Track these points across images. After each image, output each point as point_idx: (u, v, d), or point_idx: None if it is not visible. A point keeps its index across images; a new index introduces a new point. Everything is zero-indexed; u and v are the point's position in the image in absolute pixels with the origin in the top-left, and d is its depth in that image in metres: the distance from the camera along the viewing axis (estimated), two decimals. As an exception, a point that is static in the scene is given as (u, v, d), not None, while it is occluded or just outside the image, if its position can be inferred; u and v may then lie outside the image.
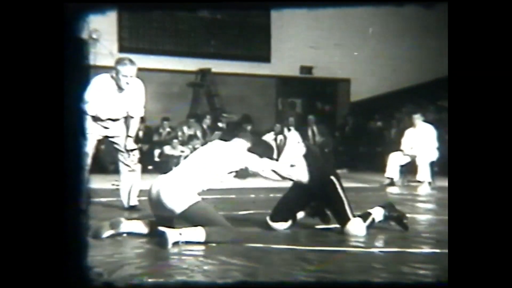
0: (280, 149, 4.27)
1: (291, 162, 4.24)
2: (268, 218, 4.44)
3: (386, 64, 14.28)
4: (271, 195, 6.98)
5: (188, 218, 3.86)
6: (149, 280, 2.90)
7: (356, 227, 4.25)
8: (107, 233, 3.96)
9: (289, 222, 4.44)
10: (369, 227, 4.29)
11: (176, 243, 3.69)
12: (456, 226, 2.50)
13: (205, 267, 3.25)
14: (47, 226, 2.37)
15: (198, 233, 3.76)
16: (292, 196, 4.46)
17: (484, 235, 2.48)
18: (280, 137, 4.37)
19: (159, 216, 3.99)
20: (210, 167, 3.98)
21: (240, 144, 4.20)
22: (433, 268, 3.24)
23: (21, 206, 2.36)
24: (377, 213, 4.38)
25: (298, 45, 14.04)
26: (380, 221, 4.37)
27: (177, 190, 3.85)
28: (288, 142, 4.28)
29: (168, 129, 12.52)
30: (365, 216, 4.33)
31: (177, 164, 11.67)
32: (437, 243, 4.00)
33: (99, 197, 6.47)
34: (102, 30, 12.44)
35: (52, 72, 2.42)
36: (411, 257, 3.66)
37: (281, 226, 4.42)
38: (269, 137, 4.37)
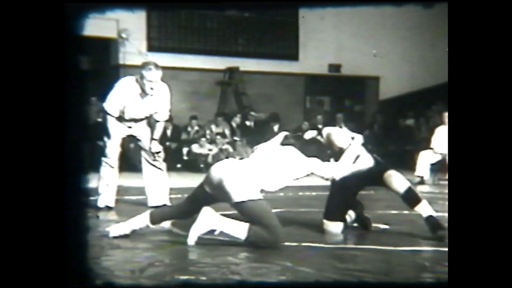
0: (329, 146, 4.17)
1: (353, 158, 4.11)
2: (324, 220, 4.27)
3: (415, 62, 14.15)
4: (300, 193, 6.98)
5: (242, 211, 3.67)
6: (180, 277, 2.91)
7: (397, 175, 4.17)
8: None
9: (343, 224, 4.29)
10: (412, 195, 4.14)
11: (212, 231, 3.62)
12: (456, 226, 2.47)
13: (236, 266, 3.25)
14: (47, 226, 2.37)
15: (240, 230, 3.61)
16: (339, 191, 4.28)
17: (484, 236, 2.44)
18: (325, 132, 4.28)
19: (206, 193, 3.82)
20: (278, 169, 3.83)
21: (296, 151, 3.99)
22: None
23: (21, 206, 2.37)
24: (427, 206, 4.16)
25: (326, 43, 13.98)
26: (424, 216, 4.16)
27: (244, 180, 3.68)
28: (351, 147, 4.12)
29: (196, 128, 12.57)
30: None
31: (205, 162, 11.75)
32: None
33: (129, 195, 6.53)
34: (131, 30, 12.57)
35: (53, 72, 2.43)
36: (441, 255, 3.62)
37: (338, 227, 4.27)
38: (311, 134, 4.26)
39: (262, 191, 3.77)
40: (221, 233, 3.63)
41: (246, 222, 3.64)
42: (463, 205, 2.49)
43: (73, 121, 2.46)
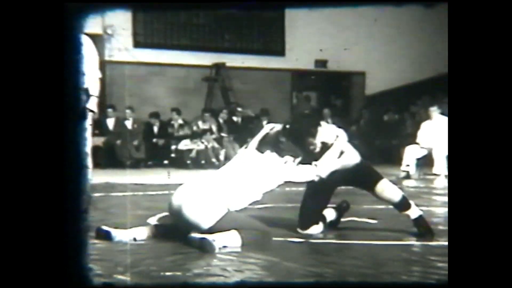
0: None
1: (335, 157, 3.96)
2: (298, 229, 4.12)
3: (401, 57, 14.20)
4: (287, 188, 6.99)
5: (219, 231, 3.55)
6: (167, 273, 2.92)
7: (389, 186, 4.11)
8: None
9: (321, 224, 4.18)
10: (403, 202, 4.11)
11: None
12: (457, 226, 2.48)
13: (223, 262, 3.26)
14: (47, 226, 2.37)
15: (233, 238, 3.53)
16: (315, 194, 4.15)
17: (484, 235, 2.45)
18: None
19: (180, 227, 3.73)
20: (243, 186, 3.68)
21: (274, 159, 3.80)
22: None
23: (20, 205, 2.37)
24: (415, 208, 4.15)
25: (312, 38, 14.00)
26: (412, 218, 4.13)
27: (202, 205, 3.56)
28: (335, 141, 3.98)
29: (180, 121, 12.48)
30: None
31: (191, 158, 11.73)
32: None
33: (116, 191, 6.52)
34: (117, 26, 12.50)
35: (52, 72, 2.42)
36: (427, 249, 3.66)
37: (316, 230, 4.14)
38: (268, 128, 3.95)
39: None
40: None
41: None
42: (463, 204, 2.48)
43: (72, 119, 2.46)
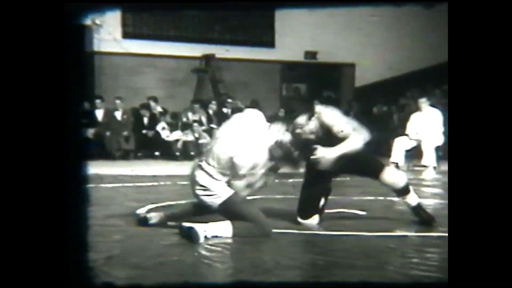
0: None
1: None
2: (299, 219, 4.14)
3: (391, 49, 14.23)
4: (276, 180, 6.99)
5: (224, 213, 3.62)
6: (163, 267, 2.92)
7: (394, 173, 4.16)
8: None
9: (317, 216, 4.17)
10: (405, 188, 4.12)
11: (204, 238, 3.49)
12: (456, 226, 2.48)
13: (210, 252, 3.26)
14: (46, 225, 2.36)
15: (224, 229, 3.53)
16: (313, 184, 4.17)
17: (485, 233, 2.46)
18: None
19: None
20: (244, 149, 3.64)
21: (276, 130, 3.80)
22: (439, 252, 3.26)
23: (20, 204, 2.36)
24: (414, 195, 4.17)
25: (302, 30, 14.00)
26: (412, 205, 4.16)
27: (209, 186, 3.62)
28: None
29: (159, 109, 12.39)
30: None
31: (179, 149, 11.73)
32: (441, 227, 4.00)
33: (105, 182, 6.50)
34: (106, 16, 12.44)
35: (52, 71, 2.41)
36: (417, 240, 3.68)
37: (314, 220, 4.15)
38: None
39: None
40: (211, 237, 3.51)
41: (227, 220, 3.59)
42: (464, 200, 2.47)
43: (72, 116, 2.45)
